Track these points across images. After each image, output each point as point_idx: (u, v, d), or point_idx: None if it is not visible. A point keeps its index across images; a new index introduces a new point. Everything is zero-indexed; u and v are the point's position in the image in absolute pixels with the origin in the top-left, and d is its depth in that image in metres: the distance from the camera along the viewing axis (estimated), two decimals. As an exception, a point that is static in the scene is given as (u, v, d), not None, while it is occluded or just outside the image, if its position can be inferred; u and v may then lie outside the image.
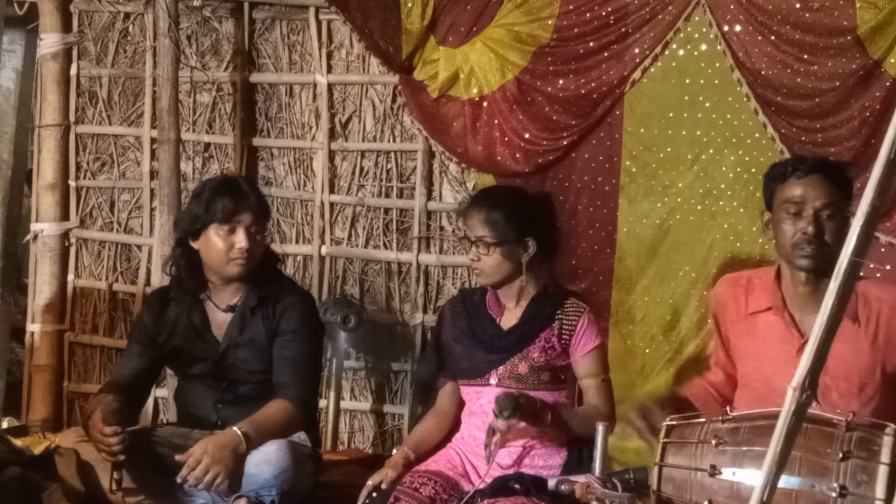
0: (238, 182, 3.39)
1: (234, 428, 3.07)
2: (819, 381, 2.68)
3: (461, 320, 3.24)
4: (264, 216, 3.35)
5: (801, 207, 2.74)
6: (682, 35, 4.07)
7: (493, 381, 3.14)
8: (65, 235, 4.96)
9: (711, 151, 4.08)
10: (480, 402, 3.16)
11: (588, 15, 4.12)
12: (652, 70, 4.11)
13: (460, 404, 3.26)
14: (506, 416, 2.88)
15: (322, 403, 4.44)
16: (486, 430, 2.98)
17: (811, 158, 2.83)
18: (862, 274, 2.75)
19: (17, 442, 4.05)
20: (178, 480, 3.01)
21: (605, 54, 4.14)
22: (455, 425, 3.28)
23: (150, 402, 4.68)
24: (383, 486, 3.03)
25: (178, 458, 3.02)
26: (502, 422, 2.89)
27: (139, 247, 4.94)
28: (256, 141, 4.80)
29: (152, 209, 4.83)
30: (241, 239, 3.24)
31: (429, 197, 4.59)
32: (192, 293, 3.38)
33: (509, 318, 3.20)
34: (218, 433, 3.14)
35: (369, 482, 3.06)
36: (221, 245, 3.26)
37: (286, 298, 3.34)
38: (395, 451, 3.25)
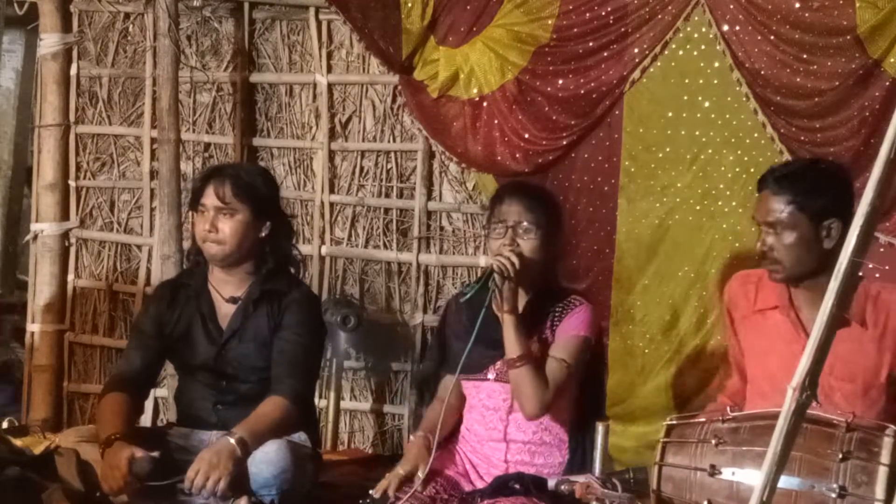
0: (214, 169, 3.41)
1: (228, 437, 3.06)
2: (824, 383, 2.71)
3: (463, 316, 3.24)
4: (238, 203, 3.28)
5: (760, 222, 2.82)
6: (681, 35, 4.07)
7: (490, 375, 3.14)
8: (65, 235, 4.96)
9: (710, 151, 4.08)
10: (479, 396, 3.16)
11: (588, 15, 4.12)
12: (651, 70, 4.11)
13: (463, 399, 3.26)
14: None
15: (322, 403, 4.45)
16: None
17: (774, 170, 2.84)
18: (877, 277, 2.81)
19: (17, 442, 4.05)
20: (186, 488, 3.01)
21: (605, 54, 4.14)
22: (460, 420, 3.27)
23: (150, 403, 4.68)
24: (418, 479, 2.99)
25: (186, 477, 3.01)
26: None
27: (139, 247, 4.95)
28: (256, 141, 4.80)
29: (152, 209, 4.83)
30: (204, 221, 3.28)
31: (429, 197, 4.59)
32: (201, 280, 3.40)
33: None
34: (213, 441, 3.14)
35: (400, 471, 2.99)
36: (198, 228, 3.32)
37: (291, 295, 3.35)
38: (411, 437, 3.20)
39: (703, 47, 4.05)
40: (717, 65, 4.03)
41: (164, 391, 4.61)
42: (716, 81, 4.04)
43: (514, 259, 2.98)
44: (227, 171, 3.35)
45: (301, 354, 3.30)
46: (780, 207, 2.75)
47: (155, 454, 3.04)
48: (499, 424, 3.12)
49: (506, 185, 3.35)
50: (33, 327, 4.93)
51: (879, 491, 2.21)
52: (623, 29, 4.10)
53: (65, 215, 4.96)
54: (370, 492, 3.02)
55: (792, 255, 2.75)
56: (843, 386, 2.75)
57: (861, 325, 2.75)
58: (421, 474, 2.99)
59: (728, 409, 2.53)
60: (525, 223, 3.07)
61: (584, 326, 3.09)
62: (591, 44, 4.15)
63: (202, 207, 3.30)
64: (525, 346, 3.00)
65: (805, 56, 3.87)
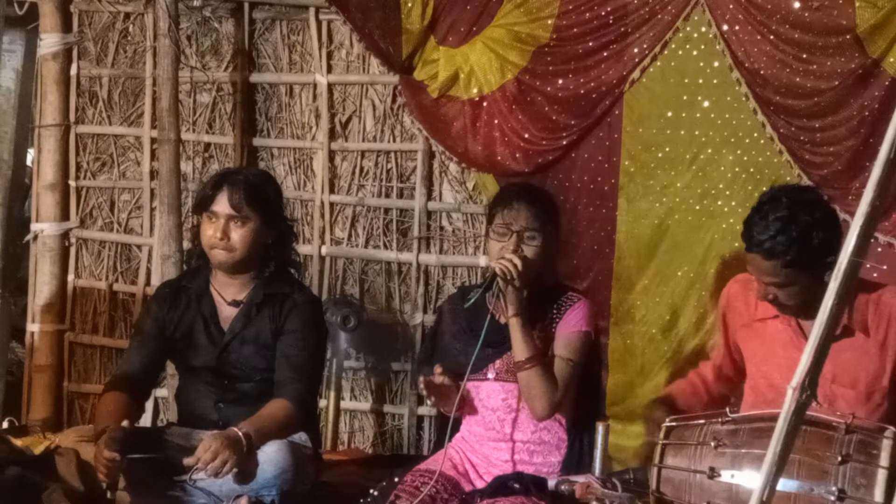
0: (224, 175, 3.39)
1: (235, 429, 3.07)
2: (826, 391, 2.71)
3: (460, 317, 3.24)
4: (250, 211, 3.28)
5: (757, 277, 2.78)
6: (681, 35, 4.07)
7: (490, 375, 3.14)
8: (65, 235, 4.96)
9: (710, 151, 4.08)
10: (479, 396, 3.16)
11: (588, 15, 4.12)
12: (651, 70, 4.11)
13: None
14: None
15: (322, 403, 4.44)
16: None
17: (759, 233, 2.72)
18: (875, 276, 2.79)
19: (17, 442, 4.06)
20: (186, 463, 3.00)
21: (605, 54, 4.14)
22: (460, 420, 3.27)
23: (150, 403, 4.68)
24: (437, 380, 3.03)
25: (187, 462, 2.99)
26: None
27: (139, 247, 4.95)
28: (256, 141, 4.80)
29: (152, 209, 4.83)
30: (215, 228, 3.27)
31: (429, 197, 4.59)
32: (203, 282, 3.40)
33: None
34: (220, 431, 3.14)
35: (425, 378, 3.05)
36: (207, 232, 3.30)
37: (293, 298, 3.35)
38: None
39: (702, 47, 4.05)
40: (716, 64, 4.03)
41: (164, 391, 4.61)
42: (715, 81, 4.04)
43: (518, 262, 2.97)
44: (238, 177, 3.33)
45: (305, 359, 3.30)
46: (777, 271, 2.70)
47: (125, 423, 3.04)
48: (497, 424, 3.12)
49: (509, 189, 3.32)
50: (33, 327, 4.93)
51: (878, 494, 2.21)
52: (623, 29, 4.10)
53: (65, 215, 4.97)
54: (370, 491, 3.03)
55: (798, 300, 2.74)
56: (846, 392, 2.75)
57: (864, 333, 2.74)
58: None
59: (728, 410, 2.52)
60: (529, 229, 3.07)
61: (584, 322, 3.11)
62: (590, 44, 4.15)
63: (213, 214, 3.28)
64: (533, 348, 3.01)
65: (804, 56, 3.87)
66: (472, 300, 3.04)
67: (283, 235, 3.42)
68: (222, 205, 3.27)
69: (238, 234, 3.28)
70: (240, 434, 3.04)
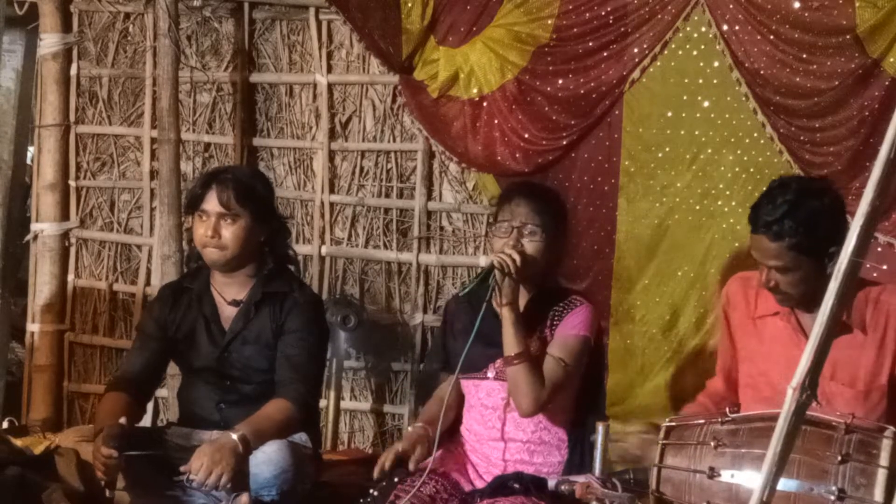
0: (214, 173, 3.39)
1: (230, 433, 3.07)
2: (825, 389, 2.71)
3: (464, 315, 3.24)
4: (240, 208, 3.28)
5: (760, 261, 2.77)
6: (681, 35, 4.07)
7: (490, 374, 3.13)
8: (65, 235, 4.97)
9: (710, 151, 4.08)
10: (479, 395, 3.16)
11: (588, 15, 4.12)
12: (651, 70, 4.11)
13: (462, 398, 3.25)
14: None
15: (322, 403, 4.44)
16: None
17: (765, 213, 2.72)
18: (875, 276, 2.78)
19: (17, 442, 4.06)
20: (184, 479, 3.01)
21: (605, 54, 4.14)
22: (458, 419, 3.27)
23: (150, 403, 4.67)
24: (410, 467, 2.98)
25: (182, 469, 3.00)
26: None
27: (139, 247, 4.95)
28: (256, 141, 4.80)
29: (152, 209, 4.83)
30: (206, 227, 3.27)
31: (429, 197, 4.60)
32: (203, 283, 3.40)
33: None
34: (215, 438, 3.14)
35: (398, 447, 3.00)
36: (199, 231, 3.31)
37: (294, 297, 3.35)
38: (409, 428, 3.18)
39: (702, 47, 4.05)
40: (716, 64, 4.03)
41: (164, 391, 4.61)
42: (715, 81, 4.04)
43: (516, 256, 2.98)
44: (227, 175, 3.34)
45: (306, 359, 3.30)
46: (781, 252, 2.70)
47: (122, 420, 3.04)
48: (497, 423, 3.12)
49: (514, 185, 3.34)
50: (33, 327, 4.93)
51: (878, 494, 2.21)
52: (623, 29, 4.10)
53: (65, 215, 4.97)
54: (370, 491, 3.03)
55: (800, 289, 2.75)
56: (844, 391, 2.75)
57: (862, 331, 2.74)
58: (411, 465, 2.98)
59: (728, 410, 2.52)
60: (531, 225, 3.07)
61: (583, 326, 3.09)
62: (590, 44, 4.15)
63: (203, 213, 3.29)
64: (523, 344, 3.00)
65: (805, 56, 3.87)
66: (468, 289, 3.04)
67: (276, 232, 3.41)
68: (212, 203, 3.27)
69: (229, 232, 3.28)
70: (234, 438, 3.03)
